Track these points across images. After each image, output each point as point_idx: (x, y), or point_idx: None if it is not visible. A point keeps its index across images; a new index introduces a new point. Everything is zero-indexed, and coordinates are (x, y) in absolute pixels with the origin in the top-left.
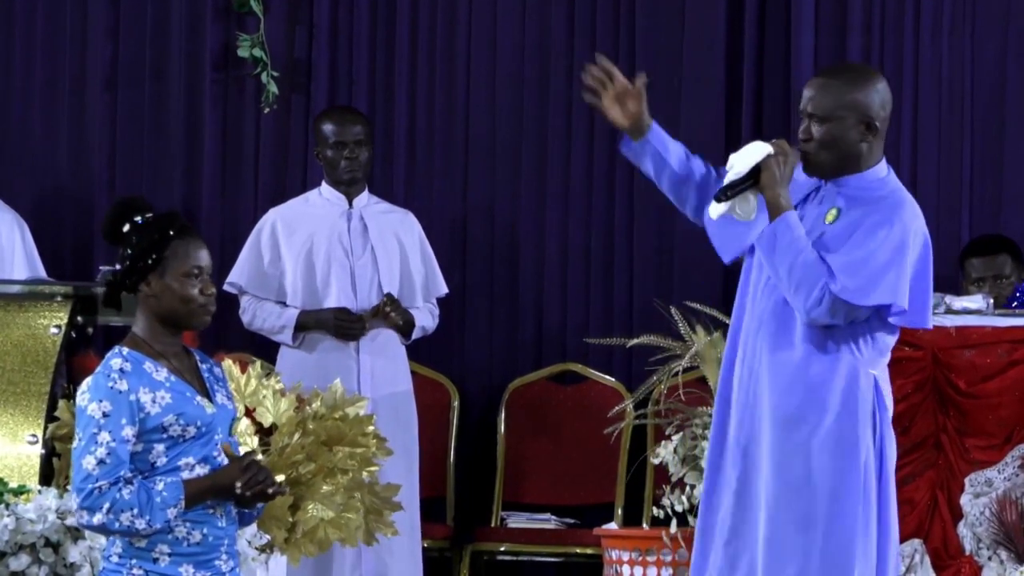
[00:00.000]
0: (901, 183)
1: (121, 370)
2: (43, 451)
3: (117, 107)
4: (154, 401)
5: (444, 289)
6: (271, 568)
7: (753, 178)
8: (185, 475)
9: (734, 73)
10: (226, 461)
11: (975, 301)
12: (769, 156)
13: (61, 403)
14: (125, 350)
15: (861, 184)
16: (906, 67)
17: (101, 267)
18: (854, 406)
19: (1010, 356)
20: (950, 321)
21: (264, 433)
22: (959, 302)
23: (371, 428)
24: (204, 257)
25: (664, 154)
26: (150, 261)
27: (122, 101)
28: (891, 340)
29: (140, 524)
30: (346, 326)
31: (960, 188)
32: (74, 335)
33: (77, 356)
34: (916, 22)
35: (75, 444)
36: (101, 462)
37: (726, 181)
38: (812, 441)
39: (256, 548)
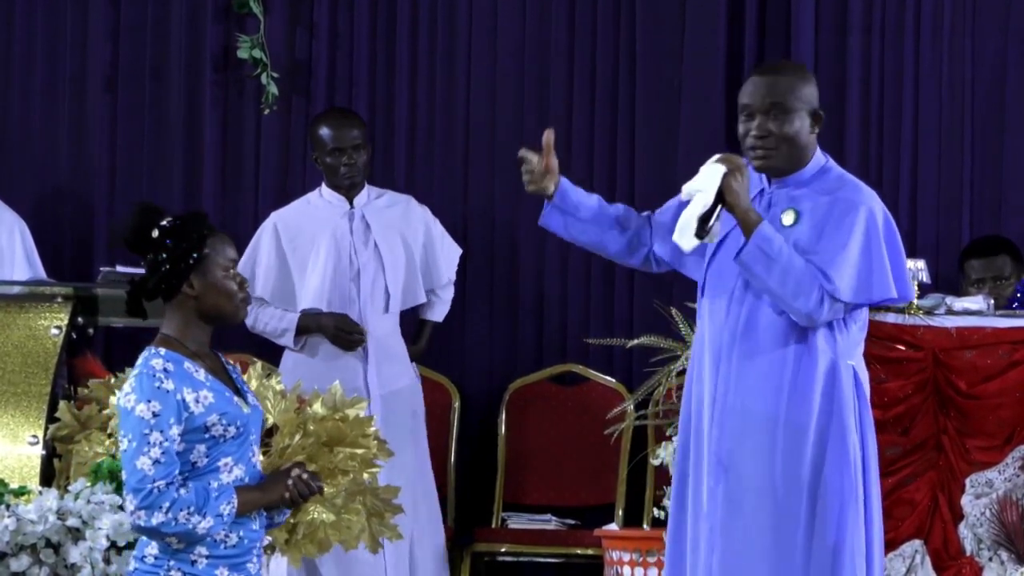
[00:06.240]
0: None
1: (165, 370)
2: (44, 452)
3: (117, 108)
4: (197, 401)
5: (445, 278)
6: (272, 569)
7: (720, 201)
8: (224, 476)
9: (734, 74)
10: (259, 461)
11: (976, 302)
12: (726, 174)
13: (62, 404)
14: (163, 350)
15: (805, 179)
16: (907, 67)
17: (101, 268)
18: (840, 402)
19: (1011, 357)
20: (951, 322)
21: (265, 434)
22: (960, 303)
23: (372, 429)
24: (235, 251)
25: (579, 205)
26: (191, 261)
27: (122, 102)
28: (862, 325)
29: (198, 523)
30: (344, 337)
31: (960, 188)
32: (75, 336)
33: (78, 357)
34: (916, 22)
35: (123, 447)
36: (156, 462)
37: (695, 213)
38: (802, 442)
39: None
